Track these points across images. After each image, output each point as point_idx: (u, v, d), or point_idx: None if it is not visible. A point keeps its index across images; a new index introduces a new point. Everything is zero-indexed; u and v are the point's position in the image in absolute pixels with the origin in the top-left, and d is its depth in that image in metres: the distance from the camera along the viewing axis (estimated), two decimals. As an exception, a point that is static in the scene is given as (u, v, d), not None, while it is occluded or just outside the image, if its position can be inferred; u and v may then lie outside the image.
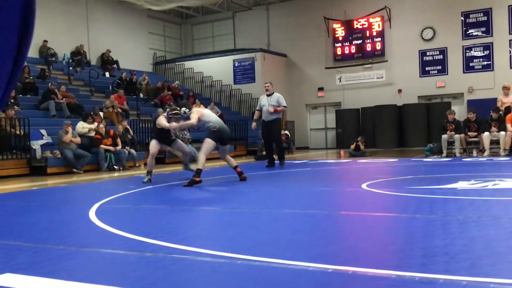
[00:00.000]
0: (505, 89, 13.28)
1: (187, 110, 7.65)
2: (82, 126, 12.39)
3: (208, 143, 7.37)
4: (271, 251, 2.95)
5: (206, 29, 24.57)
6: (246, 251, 2.95)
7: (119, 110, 14.93)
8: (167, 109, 8.22)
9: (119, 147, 12.21)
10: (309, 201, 5.62)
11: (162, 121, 7.89)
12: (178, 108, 7.86)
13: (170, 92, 18.49)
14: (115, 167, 11.90)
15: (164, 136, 8.20)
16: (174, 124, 7.76)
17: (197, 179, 7.20)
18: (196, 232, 3.89)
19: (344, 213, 4.63)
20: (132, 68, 20.15)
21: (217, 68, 21.93)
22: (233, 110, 21.39)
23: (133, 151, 12.77)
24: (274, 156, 11.00)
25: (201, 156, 7.37)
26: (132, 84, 18.26)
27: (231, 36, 23.64)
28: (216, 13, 23.82)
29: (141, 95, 18.18)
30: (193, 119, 7.44)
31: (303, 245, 3.16)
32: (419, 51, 19.25)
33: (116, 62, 20.21)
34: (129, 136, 13.37)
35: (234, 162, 7.98)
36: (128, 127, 13.73)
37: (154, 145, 8.15)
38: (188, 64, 22.82)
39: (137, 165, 12.70)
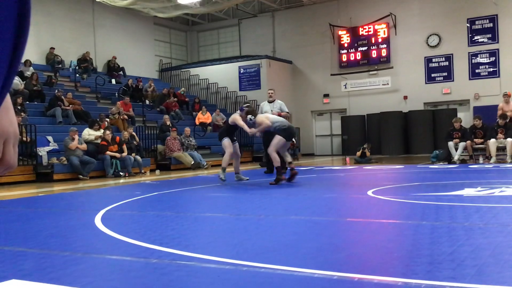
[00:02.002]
0: (506, 96, 13.22)
1: (253, 117, 8.18)
2: (89, 133, 12.45)
3: (278, 139, 7.93)
4: (276, 258, 2.95)
5: (211, 36, 24.66)
6: (251, 258, 2.95)
7: (125, 116, 14.99)
8: (244, 106, 8.60)
9: (125, 154, 12.24)
10: (315, 207, 5.61)
11: (238, 120, 8.37)
12: (251, 106, 8.57)
13: (176, 99, 18.55)
14: (121, 173, 11.93)
15: (231, 133, 8.79)
16: (253, 129, 8.32)
17: (282, 177, 7.90)
18: (201, 239, 3.89)
19: (349, 220, 4.62)
20: (138, 75, 20.24)
21: (222, 75, 21.98)
22: (238, 116, 21.39)
23: (138, 157, 12.81)
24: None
25: (273, 154, 7.98)
26: (138, 90, 18.34)
27: (236, 43, 23.72)
28: (221, 20, 23.92)
29: (147, 101, 18.26)
30: (267, 121, 8.06)
31: (308, 252, 3.15)
32: (425, 57, 19.23)
33: (122, 69, 20.32)
34: (135, 142, 13.41)
35: (290, 158, 8.50)
36: (134, 133, 13.78)
37: (229, 144, 8.66)
38: (194, 70, 22.89)
39: (142, 171, 12.73)
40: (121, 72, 20.20)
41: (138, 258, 3.10)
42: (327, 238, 3.70)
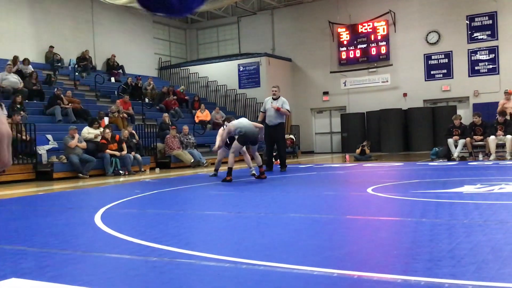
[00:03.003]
0: (507, 94, 13.23)
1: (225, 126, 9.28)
2: (88, 132, 12.44)
3: (234, 144, 8.91)
4: (276, 256, 2.95)
5: (211, 34, 24.64)
6: (251, 256, 2.95)
7: (125, 115, 14.98)
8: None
9: (124, 152, 12.24)
10: (314, 205, 5.61)
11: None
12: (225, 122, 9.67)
13: (175, 97, 18.54)
14: (121, 172, 11.94)
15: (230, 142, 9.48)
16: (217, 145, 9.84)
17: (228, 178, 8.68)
18: (201, 237, 3.89)
19: (349, 217, 4.62)
20: (138, 73, 20.23)
21: (222, 73, 21.98)
22: (238, 114, 21.41)
23: (138, 156, 12.81)
24: (273, 160, 11.11)
25: (230, 156, 9.01)
26: (138, 89, 18.33)
27: (236, 40, 23.70)
28: (221, 18, 23.90)
29: (147, 100, 18.25)
30: (223, 131, 9.38)
31: (308, 250, 3.15)
32: (424, 55, 19.22)
33: (122, 67, 20.30)
34: (134, 141, 13.41)
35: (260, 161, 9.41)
36: (133, 132, 13.77)
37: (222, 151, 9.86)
38: (193, 69, 22.88)
39: (142, 169, 12.73)
40: (120, 70, 20.18)
41: (138, 256, 3.11)
42: (327, 235, 3.70)
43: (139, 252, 3.21)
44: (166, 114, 16.00)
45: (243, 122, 9.08)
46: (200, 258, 2.97)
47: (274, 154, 11.62)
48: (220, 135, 9.69)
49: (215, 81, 22.15)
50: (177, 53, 24.78)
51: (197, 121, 17.69)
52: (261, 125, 9.51)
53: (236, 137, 8.86)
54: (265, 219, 4.56)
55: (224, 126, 9.43)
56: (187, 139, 14.66)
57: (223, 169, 9.19)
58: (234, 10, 23.24)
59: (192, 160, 14.01)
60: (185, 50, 25.20)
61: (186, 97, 19.53)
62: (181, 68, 23.25)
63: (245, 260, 2.84)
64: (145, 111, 16.97)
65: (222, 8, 22.82)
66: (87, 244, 3.67)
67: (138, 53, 22.00)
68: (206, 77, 22.37)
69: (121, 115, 14.78)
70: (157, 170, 13.37)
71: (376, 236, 3.64)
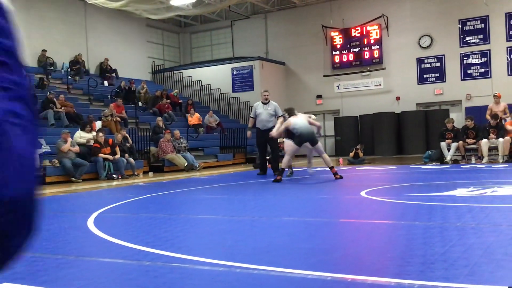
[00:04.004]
0: (496, 97, 13.32)
1: (286, 116, 9.35)
2: (80, 136, 12.40)
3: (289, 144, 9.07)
4: (269, 259, 2.95)
5: (204, 37, 24.65)
6: (245, 260, 2.95)
7: (118, 119, 14.94)
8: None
9: (117, 156, 12.20)
10: (308, 208, 5.62)
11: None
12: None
13: (168, 101, 18.52)
14: (114, 175, 11.89)
15: (291, 136, 9.44)
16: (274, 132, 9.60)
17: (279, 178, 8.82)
18: (194, 241, 3.88)
19: (343, 221, 4.63)
20: (131, 77, 20.18)
21: (215, 77, 21.98)
22: (231, 118, 21.42)
23: (131, 159, 12.77)
24: (267, 164, 11.12)
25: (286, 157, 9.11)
26: (131, 92, 18.28)
27: (229, 44, 23.72)
28: (214, 21, 23.92)
29: (140, 103, 18.21)
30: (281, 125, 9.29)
31: (302, 253, 3.15)
32: (417, 58, 19.31)
33: (115, 71, 20.26)
34: (127, 144, 13.37)
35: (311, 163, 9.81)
36: (127, 135, 13.74)
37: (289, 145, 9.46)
38: (187, 72, 22.86)
39: (135, 173, 12.69)
40: (113, 74, 20.13)
41: (131, 260, 3.09)
42: (320, 239, 3.71)
43: (132, 257, 3.20)
44: (159, 118, 15.98)
45: (299, 122, 8.92)
46: (193, 262, 2.96)
47: (268, 157, 11.62)
48: (280, 123, 9.53)
49: (208, 84, 22.14)
50: (171, 57, 24.76)
51: (190, 124, 17.68)
52: (318, 123, 9.56)
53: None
54: (258, 223, 4.56)
55: (286, 116, 9.33)
56: (178, 143, 14.64)
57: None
58: (228, 14, 23.27)
59: (186, 164, 13.99)
60: (178, 54, 25.19)
61: (179, 101, 19.51)
62: (175, 71, 23.23)
63: (239, 264, 2.84)
64: (138, 114, 16.93)
65: (216, 12, 22.84)
66: (79, 249, 3.65)
67: (131, 56, 21.96)
68: (199, 80, 22.36)
69: (114, 119, 14.74)
70: (151, 174, 13.33)
71: (370, 239, 3.65)
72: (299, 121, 8.93)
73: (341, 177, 8.88)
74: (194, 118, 18.00)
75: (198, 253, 3.21)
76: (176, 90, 20.63)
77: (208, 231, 4.32)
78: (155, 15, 19.73)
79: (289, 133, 9.24)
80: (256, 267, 2.75)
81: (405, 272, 2.58)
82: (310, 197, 6.65)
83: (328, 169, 9.15)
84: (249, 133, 10.96)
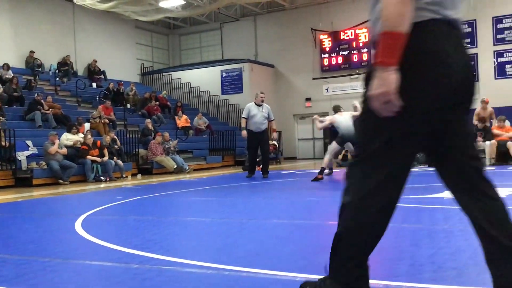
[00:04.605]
0: (483, 102, 13.46)
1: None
2: (67, 138, 12.31)
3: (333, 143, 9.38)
4: (258, 262, 2.94)
5: (193, 39, 24.62)
6: (234, 262, 2.94)
7: (106, 120, 14.86)
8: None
9: (106, 158, 12.13)
10: (297, 211, 5.62)
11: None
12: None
13: (157, 103, 18.46)
14: (102, 178, 11.82)
15: (335, 136, 10.00)
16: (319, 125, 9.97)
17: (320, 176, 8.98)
18: (183, 243, 3.86)
19: (331, 223, 4.64)
20: (119, 79, 20.09)
21: (204, 79, 21.95)
22: (220, 120, 21.40)
23: (120, 162, 12.70)
24: (256, 166, 11.13)
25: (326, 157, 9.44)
26: (119, 94, 18.20)
27: (218, 46, 23.71)
28: (203, 23, 23.89)
29: (128, 105, 18.12)
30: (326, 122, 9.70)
31: (291, 256, 3.15)
32: (405, 61, 19.44)
33: (103, 72, 20.15)
34: (116, 146, 13.30)
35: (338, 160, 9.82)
36: (115, 137, 13.66)
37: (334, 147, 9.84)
38: (176, 74, 22.81)
39: (124, 176, 12.62)
40: (102, 76, 20.02)
41: (119, 263, 3.07)
42: (309, 241, 3.71)
43: (120, 259, 3.18)
44: (148, 120, 15.92)
45: (343, 122, 9.23)
46: (182, 265, 2.95)
47: (258, 159, 11.62)
48: (330, 120, 9.79)
49: (197, 87, 22.10)
50: (160, 59, 24.69)
51: (179, 126, 17.64)
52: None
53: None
54: (248, 225, 4.55)
55: (333, 113, 9.77)
56: (167, 145, 14.60)
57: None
58: (217, 16, 23.26)
59: (175, 166, 13.95)
60: (167, 56, 25.12)
61: (168, 103, 19.45)
62: (164, 73, 23.16)
63: (228, 267, 2.83)
64: (127, 116, 16.85)
65: (205, 14, 22.82)
66: (67, 251, 3.62)
67: (120, 58, 21.86)
68: (188, 82, 22.31)
69: (102, 121, 14.66)
70: (139, 176, 13.27)
71: (359, 241, 3.65)
72: (343, 120, 9.27)
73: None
74: (182, 120, 17.96)
75: (187, 255, 3.20)
76: (165, 92, 20.58)
77: (197, 234, 4.30)
78: (144, 17, 19.67)
79: (329, 129, 9.74)
80: (245, 270, 2.75)
81: (393, 274, 2.59)
82: (299, 200, 6.65)
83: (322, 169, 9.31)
84: (244, 132, 10.82)
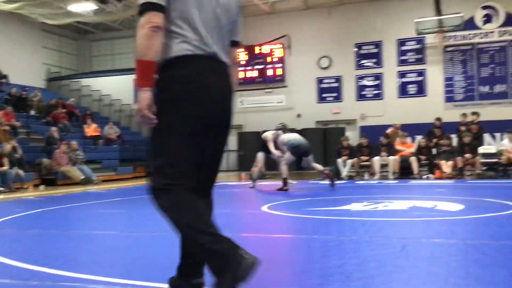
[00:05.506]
0: (395, 128, 14.39)
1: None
2: (-37, 144, 11.37)
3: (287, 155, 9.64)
4: (169, 276, 2.85)
5: (105, 46, 23.85)
6: (143, 277, 2.83)
7: (7, 127, 13.90)
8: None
9: (5, 167, 11.35)
10: (210, 223, 5.55)
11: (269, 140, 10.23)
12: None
13: (64, 110, 17.61)
14: (1, 188, 11.03)
15: (265, 149, 10.38)
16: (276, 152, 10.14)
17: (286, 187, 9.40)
18: (88, 258, 3.66)
19: (244, 236, 4.63)
20: (24, 84, 18.92)
21: (116, 87, 21.30)
22: (133, 130, 20.83)
23: (21, 172, 11.92)
24: None
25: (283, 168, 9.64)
26: (23, 100, 17.14)
27: (131, 54, 23.14)
28: (116, 30, 23.24)
29: (33, 112, 17.12)
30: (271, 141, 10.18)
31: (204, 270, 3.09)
32: (317, 78, 20.14)
33: (5, 76, 18.90)
34: (17, 155, 12.48)
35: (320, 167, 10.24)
36: (16, 145, 12.82)
37: (261, 158, 10.49)
38: (86, 81, 21.94)
39: (25, 186, 11.86)
40: (4, 80, 18.76)
41: (17, 280, 2.84)
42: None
43: (18, 276, 2.94)
44: (54, 128, 15.11)
45: (292, 135, 9.97)
46: (86, 281, 2.79)
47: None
48: (271, 141, 10.17)
49: (109, 95, 21.39)
50: (68, 64, 23.62)
51: (88, 135, 16.92)
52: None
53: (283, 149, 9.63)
54: (159, 238, 4.42)
55: (273, 132, 10.23)
56: (75, 155, 13.94)
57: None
58: (131, 23, 22.72)
59: (82, 177, 13.33)
60: (76, 62, 24.10)
61: (76, 111, 18.61)
62: (72, 80, 22.19)
63: (137, 282, 2.71)
64: (30, 123, 15.89)
65: (118, 21, 22.21)
66: (-45, 269, 3.29)
67: (24, 62, 20.62)
68: (99, 90, 21.53)
69: (3, 128, 13.70)
70: (42, 187, 12.53)
71: (271, 253, 3.68)
72: (294, 134, 10.07)
73: (333, 184, 9.63)
74: (92, 129, 17.26)
75: (92, 271, 3.03)
76: (73, 99, 19.69)
77: (104, 248, 4.11)
78: (52, 20, 18.76)
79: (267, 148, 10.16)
80: (155, 285, 2.65)
81: (304, 285, 2.62)
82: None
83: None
84: None
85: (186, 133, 2.25)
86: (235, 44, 2.57)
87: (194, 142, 2.29)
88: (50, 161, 13.55)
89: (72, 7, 17.58)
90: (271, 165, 11.29)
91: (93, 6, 18.19)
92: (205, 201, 2.61)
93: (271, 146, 10.14)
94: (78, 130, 17.46)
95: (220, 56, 2.36)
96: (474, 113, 14.46)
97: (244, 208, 7.19)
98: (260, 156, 10.57)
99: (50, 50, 22.52)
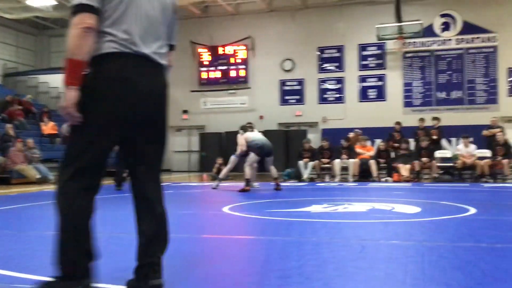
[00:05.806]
0: (356, 133, 14.65)
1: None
2: None
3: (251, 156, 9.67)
4: (128, 279, 2.80)
5: (65, 42, 23.18)
6: (101, 279, 2.76)
7: (-41, 124, 13.38)
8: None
9: (-44, 165, 10.88)
10: (170, 224, 5.48)
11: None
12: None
13: (21, 107, 17.08)
14: (-49, 187, 10.58)
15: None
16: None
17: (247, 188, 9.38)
18: (44, 259, 3.54)
19: (205, 237, 4.60)
20: (-22, 79, 18.27)
21: (76, 84, 20.78)
22: (92, 129, 20.40)
23: (-26, 170, 11.48)
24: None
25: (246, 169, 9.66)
26: (-23, 96, 16.54)
27: (93, 52, 22.68)
28: (77, 27, 22.70)
29: (-14, 108, 16.53)
30: (242, 141, 10.00)
31: (169, 268, 3.04)
32: (280, 80, 20.26)
33: (-42, 70, 18.19)
34: (-31, 153, 12.01)
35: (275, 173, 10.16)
36: (-31, 143, 12.34)
37: (234, 159, 10.69)
38: (43, 77, 21.34)
39: (-22, 185, 11.42)
40: (-44, 74, 18.05)
41: (-35, 283, 2.73)
42: (182, 255, 3.63)
43: (-33, 279, 2.82)
44: (9, 125, 14.63)
45: (257, 135, 9.95)
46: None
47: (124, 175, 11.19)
48: (244, 140, 10.15)
49: (68, 92, 20.85)
50: (25, 60, 22.92)
51: (45, 133, 16.47)
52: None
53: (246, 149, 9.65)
54: (118, 240, 4.34)
55: (241, 132, 10.24)
56: (31, 153, 13.53)
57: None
58: (93, 20, 22.29)
59: (38, 176, 12.96)
60: (34, 57, 23.42)
61: (32, 108, 18.08)
62: (29, 76, 21.54)
63: (98, 285, 2.65)
64: (-16, 120, 15.33)
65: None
66: None
67: (-21, 56, 19.90)
68: (57, 87, 20.98)
69: (-46, 124, 13.17)
70: (-4, 186, 12.10)
71: (231, 254, 3.67)
72: (256, 134, 10.03)
73: (280, 189, 9.79)
74: (49, 127, 16.81)
75: (47, 272, 2.94)
76: (30, 96, 19.13)
77: (60, 249, 3.99)
78: (10, 14, 18.19)
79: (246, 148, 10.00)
80: (112, 287, 2.59)
81: (263, 286, 2.62)
82: (172, 213, 6.47)
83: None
84: None
85: (101, 128, 2.28)
86: (170, 47, 2.63)
87: (108, 138, 2.32)
88: (4, 159, 13.11)
89: (31, 1, 17.08)
90: (236, 166, 11.22)
91: (52, 1, 17.73)
92: (147, 201, 2.81)
93: (240, 148, 10.31)
94: (34, 128, 16.96)
95: (152, 56, 2.40)
96: (435, 118, 14.85)
97: (206, 209, 7.15)
98: (233, 158, 10.78)
99: (7, 45, 21.81)
